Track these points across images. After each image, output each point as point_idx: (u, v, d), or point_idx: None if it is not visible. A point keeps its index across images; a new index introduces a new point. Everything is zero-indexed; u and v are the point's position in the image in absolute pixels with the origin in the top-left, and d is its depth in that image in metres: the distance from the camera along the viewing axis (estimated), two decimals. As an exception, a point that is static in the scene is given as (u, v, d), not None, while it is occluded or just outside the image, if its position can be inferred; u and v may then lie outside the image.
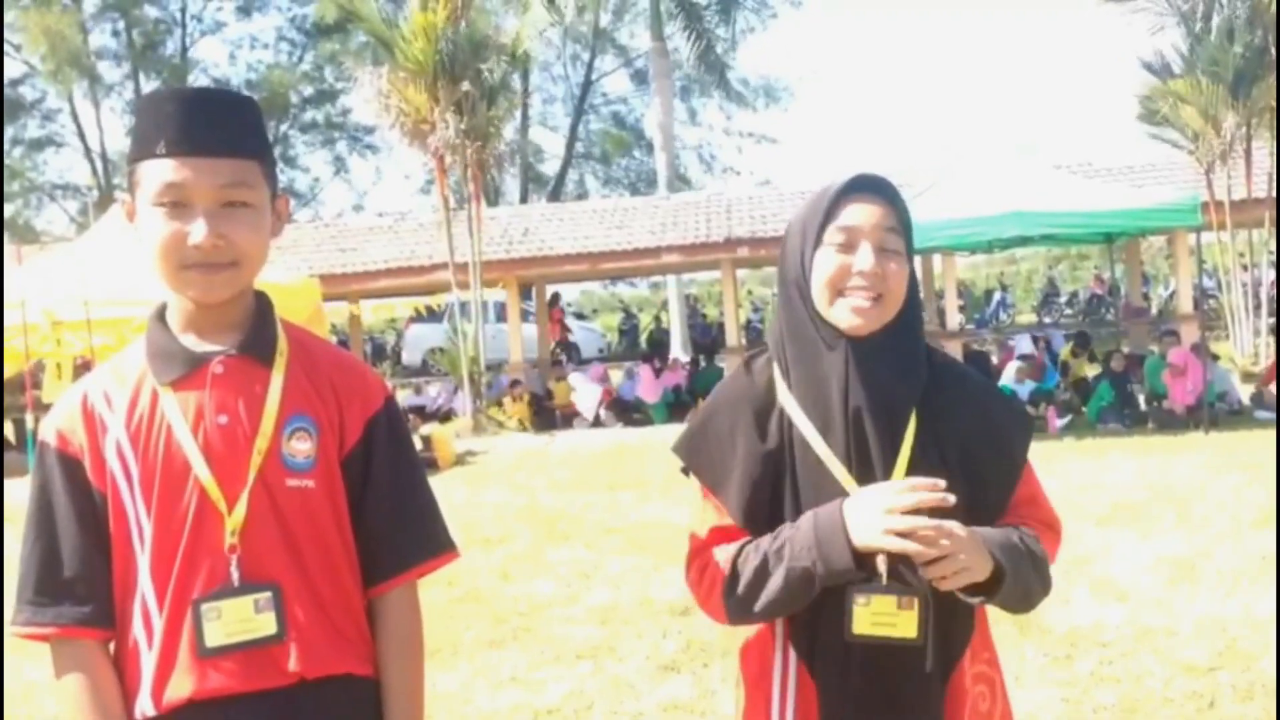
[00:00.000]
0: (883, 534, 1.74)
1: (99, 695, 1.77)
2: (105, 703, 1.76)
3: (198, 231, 1.73)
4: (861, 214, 1.86)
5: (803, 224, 1.92)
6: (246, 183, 1.77)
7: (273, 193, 1.85)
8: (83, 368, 11.22)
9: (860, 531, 1.76)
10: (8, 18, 34.74)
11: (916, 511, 1.74)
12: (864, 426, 1.85)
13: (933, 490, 1.74)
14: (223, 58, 43.98)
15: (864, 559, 1.79)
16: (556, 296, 29.80)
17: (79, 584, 1.77)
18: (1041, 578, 1.89)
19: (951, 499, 1.74)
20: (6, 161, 37.49)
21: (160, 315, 1.86)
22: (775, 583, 1.83)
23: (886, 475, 1.83)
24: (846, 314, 1.85)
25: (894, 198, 1.90)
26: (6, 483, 11.24)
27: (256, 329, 1.86)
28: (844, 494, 1.84)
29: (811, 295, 1.88)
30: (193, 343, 1.82)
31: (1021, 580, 1.83)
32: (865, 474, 1.84)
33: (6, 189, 37.41)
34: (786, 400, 1.91)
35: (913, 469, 1.84)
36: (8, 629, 1.81)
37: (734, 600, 1.89)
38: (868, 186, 1.89)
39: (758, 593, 1.85)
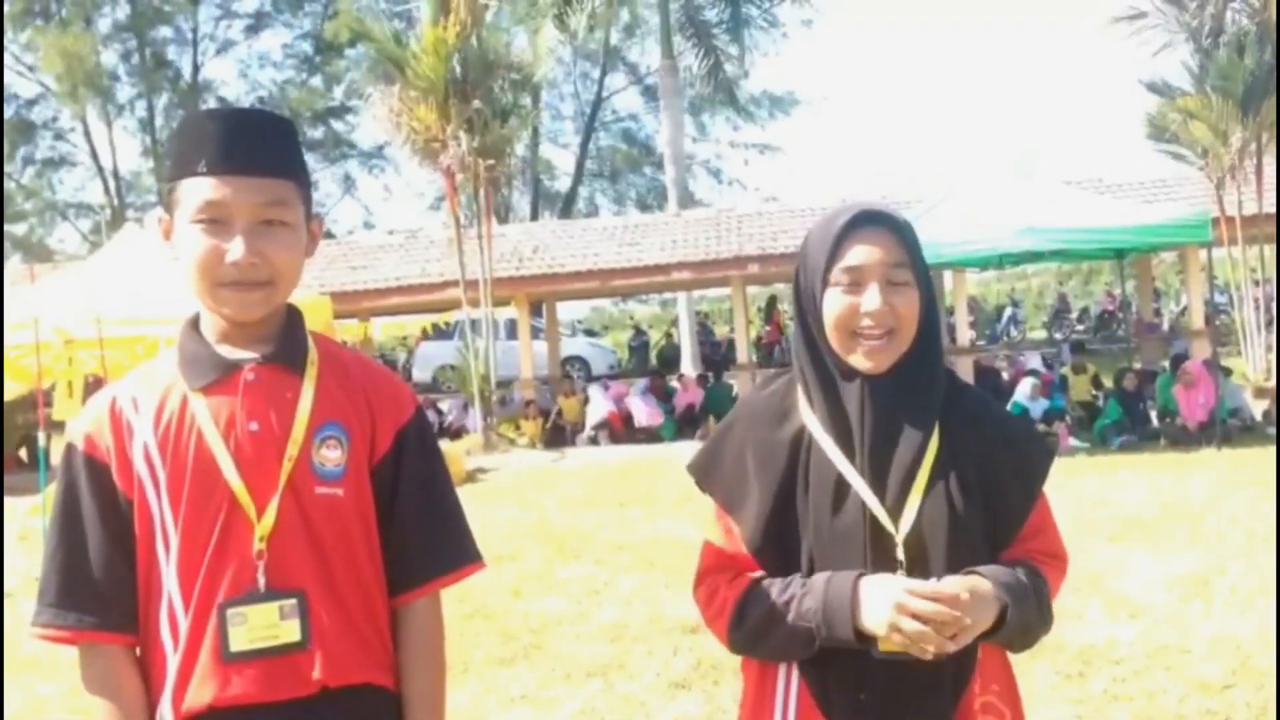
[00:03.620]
0: (889, 629, 1.74)
1: (120, 704, 1.77)
2: (127, 713, 1.77)
3: (236, 249, 1.75)
4: (865, 253, 1.85)
5: (811, 260, 1.91)
6: (285, 202, 1.80)
7: (308, 213, 1.87)
8: (94, 385, 11.26)
9: (870, 617, 1.77)
10: (22, 38, 35.05)
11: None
12: (884, 451, 1.86)
13: (953, 603, 1.73)
14: (233, 77, 44.28)
15: (864, 635, 1.79)
16: (774, 300, 29.53)
17: (102, 588, 1.78)
18: (1043, 615, 1.89)
19: (968, 621, 1.74)
20: (20, 180, 37.77)
21: (193, 324, 1.89)
22: (778, 634, 1.85)
23: (905, 495, 1.84)
24: (860, 357, 1.86)
25: (898, 228, 1.88)
26: (19, 501, 11.27)
27: (287, 338, 1.88)
28: (863, 513, 1.84)
29: (825, 333, 1.89)
30: (225, 351, 1.85)
31: (1023, 620, 1.83)
32: (885, 492, 1.84)
33: (20, 208, 37.66)
34: (809, 419, 1.91)
35: (931, 489, 1.84)
36: (29, 630, 1.83)
37: (737, 637, 1.92)
38: (870, 221, 1.87)
39: (760, 639, 1.89)
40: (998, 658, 1.95)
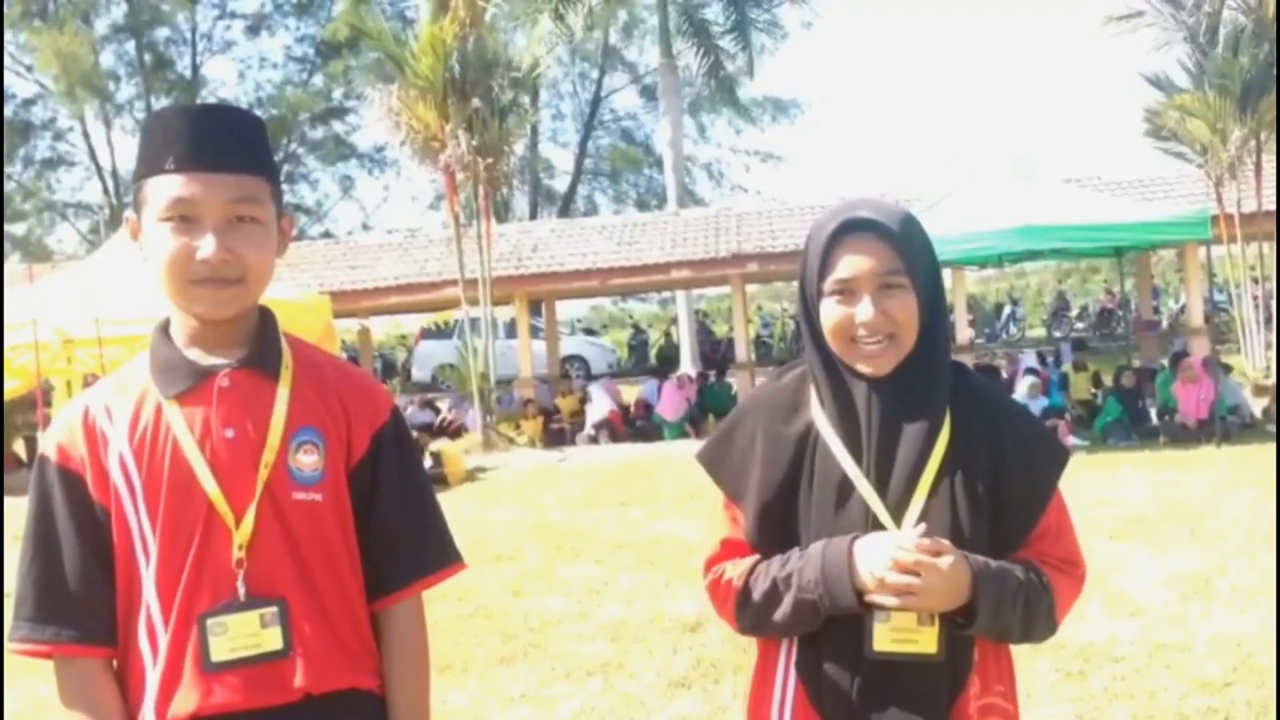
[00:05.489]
0: (883, 585, 1.76)
1: (101, 717, 1.75)
2: None
3: (206, 246, 1.72)
4: (854, 264, 1.83)
5: (807, 267, 1.90)
6: (255, 199, 1.77)
7: (278, 211, 1.84)
8: (93, 384, 11.26)
9: (866, 576, 1.78)
10: (20, 38, 35.02)
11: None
12: (890, 451, 1.85)
13: (935, 552, 1.75)
14: (232, 77, 44.26)
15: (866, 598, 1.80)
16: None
17: (79, 601, 1.75)
18: (1029, 611, 1.84)
19: (942, 564, 1.76)
20: (20, 180, 37.73)
21: (164, 329, 1.85)
22: (784, 609, 1.85)
23: (909, 496, 1.83)
24: (860, 363, 1.86)
25: (890, 234, 1.85)
26: (19, 501, 11.25)
27: (261, 343, 1.85)
28: (865, 512, 1.84)
29: (825, 341, 1.89)
30: (198, 356, 1.81)
31: (999, 618, 1.81)
32: (888, 492, 1.84)
33: (19, 207, 37.64)
34: (818, 416, 1.91)
35: (935, 490, 1.84)
36: (6, 645, 1.80)
37: (745, 617, 1.92)
38: (859, 227, 1.85)
39: (767, 616, 1.88)
40: (1002, 658, 1.94)
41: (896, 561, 1.74)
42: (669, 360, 26.84)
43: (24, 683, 5.63)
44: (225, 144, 1.75)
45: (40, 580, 1.76)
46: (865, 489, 1.84)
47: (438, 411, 19.05)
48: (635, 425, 17.32)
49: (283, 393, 1.82)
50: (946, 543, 1.78)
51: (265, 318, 1.89)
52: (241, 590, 1.74)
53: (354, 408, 1.88)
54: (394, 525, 1.88)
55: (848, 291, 1.84)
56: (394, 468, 1.89)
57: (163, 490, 1.74)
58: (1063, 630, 1.90)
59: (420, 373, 28.01)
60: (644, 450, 15.41)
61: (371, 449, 1.87)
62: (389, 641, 1.88)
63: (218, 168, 1.73)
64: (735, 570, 1.92)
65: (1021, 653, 1.97)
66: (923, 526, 1.79)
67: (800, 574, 1.82)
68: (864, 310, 1.83)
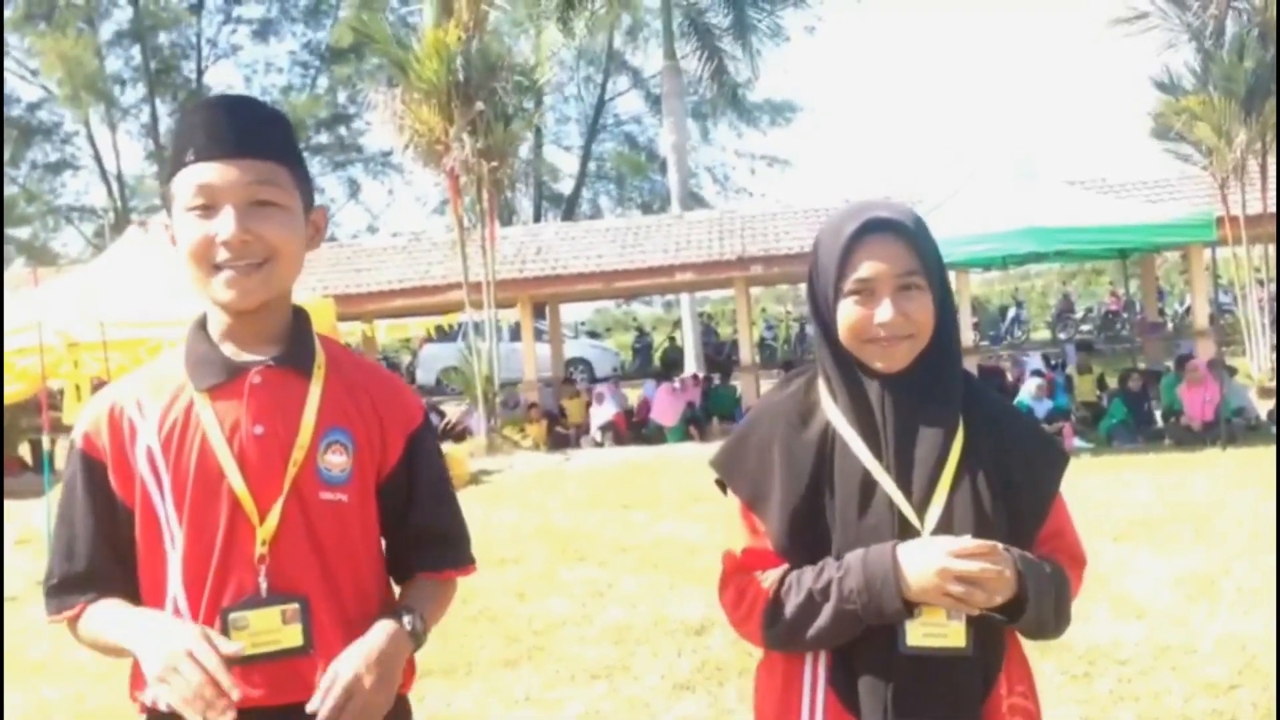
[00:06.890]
0: (941, 595, 1.76)
1: (119, 604, 1.80)
2: (129, 608, 1.79)
3: (226, 227, 1.73)
4: (875, 265, 1.84)
5: (822, 267, 1.90)
6: (274, 182, 1.78)
7: (307, 202, 1.85)
8: (99, 389, 11.25)
9: (918, 583, 1.77)
10: (25, 43, 35.11)
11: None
12: (909, 447, 1.86)
13: (990, 555, 1.75)
14: (238, 82, 44.28)
15: (911, 604, 1.80)
16: None
17: (95, 578, 1.81)
18: (1059, 612, 1.88)
19: (1009, 574, 1.77)
20: (24, 184, 37.82)
21: (201, 324, 1.88)
22: (823, 620, 1.83)
23: (931, 491, 1.84)
24: (876, 361, 1.87)
25: (908, 234, 1.87)
26: (23, 504, 11.28)
27: (295, 341, 1.87)
28: (890, 509, 1.84)
29: (840, 340, 1.89)
30: (232, 352, 1.83)
31: (1041, 611, 1.83)
32: (911, 489, 1.85)
33: (24, 211, 37.71)
34: (833, 414, 1.91)
35: (957, 484, 1.84)
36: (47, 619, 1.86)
37: (776, 630, 1.88)
38: (879, 228, 1.86)
39: (804, 627, 1.85)
40: (1022, 657, 1.95)
41: (949, 570, 1.74)
42: (673, 363, 26.84)
43: (28, 685, 5.65)
44: (243, 131, 1.77)
45: (63, 556, 1.83)
46: (889, 485, 1.84)
47: (442, 415, 19.05)
48: (640, 430, 17.30)
49: (314, 391, 1.84)
50: (996, 545, 1.78)
51: (299, 317, 1.91)
52: (264, 586, 1.77)
53: (387, 410, 1.90)
54: (428, 526, 1.92)
55: (867, 292, 1.85)
56: (428, 470, 1.93)
57: (189, 483, 1.77)
58: (1068, 632, 1.91)
59: (425, 376, 28.03)
60: (647, 453, 15.41)
61: (407, 451, 1.90)
62: (412, 584, 1.94)
63: (236, 154, 1.75)
64: (761, 585, 1.89)
65: (1027, 654, 1.98)
66: (969, 539, 1.78)
67: (840, 584, 1.81)
68: (884, 311, 1.84)
